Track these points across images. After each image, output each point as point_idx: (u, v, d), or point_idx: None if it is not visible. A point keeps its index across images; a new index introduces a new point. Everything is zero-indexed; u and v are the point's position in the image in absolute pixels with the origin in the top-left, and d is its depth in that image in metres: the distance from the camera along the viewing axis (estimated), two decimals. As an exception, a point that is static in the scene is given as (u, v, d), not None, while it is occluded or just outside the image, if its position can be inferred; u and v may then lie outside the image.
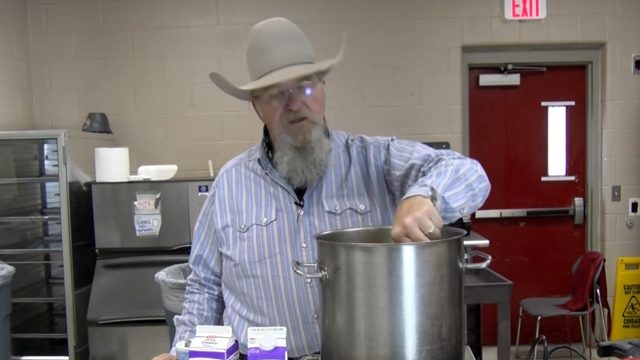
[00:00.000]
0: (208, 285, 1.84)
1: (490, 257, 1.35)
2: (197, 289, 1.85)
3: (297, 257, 1.63)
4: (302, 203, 1.67)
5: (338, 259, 1.28)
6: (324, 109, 1.69)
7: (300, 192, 1.69)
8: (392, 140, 1.73)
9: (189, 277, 1.88)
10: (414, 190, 1.35)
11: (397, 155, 1.66)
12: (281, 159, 1.64)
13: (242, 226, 1.69)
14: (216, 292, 1.84)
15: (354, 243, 1.35)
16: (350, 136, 1.80)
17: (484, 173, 1.53)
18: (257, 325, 1.65)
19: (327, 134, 1.73)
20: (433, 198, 1.31)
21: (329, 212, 1.66)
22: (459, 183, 1.42)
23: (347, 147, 1.77)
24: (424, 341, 1.24)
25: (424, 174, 1.52)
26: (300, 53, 1.60)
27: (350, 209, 1.67)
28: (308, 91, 1.60)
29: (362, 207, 1.68)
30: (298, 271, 1.36)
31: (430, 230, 1.24)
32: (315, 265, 1.35)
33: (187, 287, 1.88)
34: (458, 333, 1.29)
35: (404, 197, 1.35)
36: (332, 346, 1.31)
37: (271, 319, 1.64)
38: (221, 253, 1.77)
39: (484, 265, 1.33)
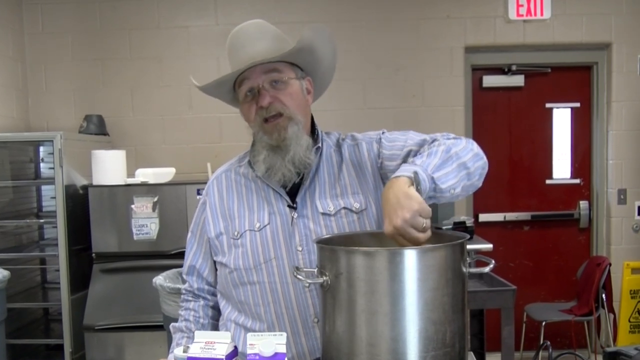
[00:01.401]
0: (202, 295, 1.82)
1: (493, 261, 1.35)
2: (191, 297, 1.83)
3: (293, 261, 1.61)
4: (295, 205, 1.65)
5: (340, 264, 1.28)
6: (304, 106, 1.67)
7: (293, 195, 1.67)
8: (383, 133, 1.73)
9: (183, 287, 1.86)
10: (401, 169, 1.38)
11: (390, 146, 1.66)
12: (257, 158, 1.64)
13: (236, 233, 1.68)
14: (211, 302, 1.82)
15: (356, 247, 1.35)
16: (341, 135, 1.79)
17: (480, 151, 1.53)
18: (255, 332, 1.59)
19: (315, 133, 1.72)
20: (417, 180, 1.33)
21: (323, 213, 1.64)
22: (451, 162, 1.43)
23: (339, 146, 1.75)
24: (428, 347, 1.24)
25: None
26: (272, 49, 1.59)
27: (344, 208, 1.65)
28: (279, 86, 1.60)
29: (357, 205, 1.66)
30: (298, 276, 1.35)
31: (424, 225, 1.27)
32: (315, 270, 1.34)
33: (182, 296, 1.86)
34: (462, 339, 1.30)
35: (391, 177, 1.38)
36: (333, 352, 1.31)
37: (270, 325, 1.62)
38: (215, 262, 1.75)
39: (487, 269, 1.34)
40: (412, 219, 1.27)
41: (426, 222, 1.27)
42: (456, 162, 1.44)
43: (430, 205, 1.34)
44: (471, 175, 1.47)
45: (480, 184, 1.53)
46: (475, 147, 1.52)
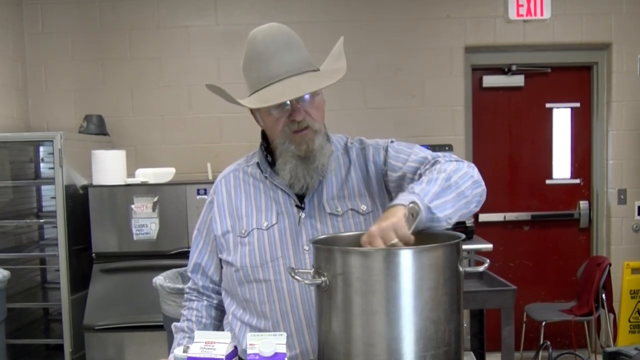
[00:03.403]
0: (207, 294, 1.82)
1: (488, 261, 1.37)
2: (195, 296, 1.83)
3: (299, 261, 1.63)
4: (302, 206, 1.67)
5: (337, 265, 1.28)
6: (324, 115, 1.68)
7: (300, 195, 1.68)
8: (391, 142, 1.74)
9: (187, 285, 1.86)
10: (399, 197, 1.41)
11: (395, 157, 1.68)
12: (284, 167, 1.64)
13: (243, 231, 1.69)
14: (215, 301, 1.82)
15: (353, 248, 1.35)
16: (349, 139, 1.80)
17: (479, 178, 1.54)
18: (260, 330, 1.64)
19: (327, 139, 1.73)
20: (414, 209, 1.35)
21: (330, 214, 1.66)
22: (450, 191, 1.44)
23: (347, 149, 1.77)
24: (428, 346, 1.24)
25: (420, 177, 1.54)
26: (299, 61, 1.58)
27: (351, 209, 1.67)
28: (310, 100, 1.60)
29: (363, 207, 1.68)
30: (297, 277, 1.36)
31: (393, 242, 1.30)
32: (312, 270, 1.35)
33: (185, 295, 1.86)
34: (458, 338, 1.32)
35: (389, 205, 1.41)
36: (331, 353, 1.31)
37: (275, 323, 1.63)
38: (221, 260, 1.75)
39: (481, 268, 1.36)
40: (385, 229, 1.31)
41: (396, 242, 1.30)
42: (455, 191, 1.45)
43: None
44: (469, 204, 1.49)
45: (476, 210, 1.54)
46: (475, 174, 1.53)
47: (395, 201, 1.40)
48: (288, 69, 1.55)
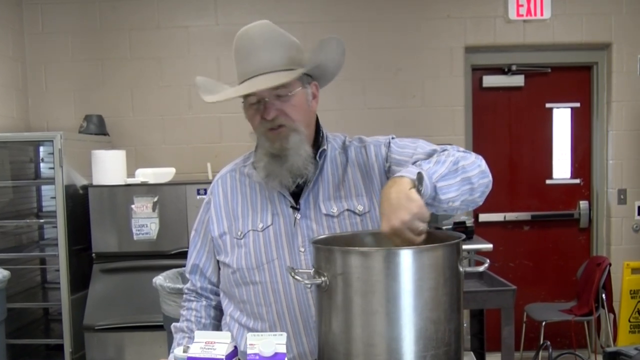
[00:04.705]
0: (205, 295, 1.82)
1: (488, 261, 1.37)
2: (194, 297, 1.83)
3: (295, 262, 1.62)
4: (298, 206, 1.65)
5: (337, 264, 1.28)
6: (308, 114, 1.66)
7: (296, 196, 1.67)
8: (392, 138, 1.73)
9: (185, 286, 1.86)
10: (404, 170, 1.39)
11: (399, 152, 1.66)
12: (258, 164, 1.66)
13: (239, 233, 1.68)
14: (214, 302, 1.82)
15: (353, 248, 1.35)
16: (347, 137, 1.79)
17: (487, 169, 1.53)
18: (257, 332, 1.60)
19: (320, 135, 1.71)
20: (420, 181, 1.33)
21: (326, 214, 1.65)
22: (456, 175, 1.43)
23: (344, 148, 1.75)
24: (428, 346, 1.24)
25: None
26: (276, 60, 1.57)
27: (348, 210, 1.65)
28: (284, 99, 1.58)
29: (360, 207, 1.66)
30: (296, 277, 1.35)
31: (420, 229, 1.30)
32: (312, 271, 1.34)
33: (184, 295, 1.86)
34: (458, 337, 1.32)
35: (393, 176, 1.39)
36: (331, 353, 1.31)
37: (271, 325, 1.62)
38: (218, 261, 1.75)
39: (481, 268, 1.36)
40: (410, 221, 1.28)
41: (423, 226, 1.29)
42: (461, 175, 1.44)
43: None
44: (474, 192, 1.47)
45: (481, 201, 1.53)
46: (483, 164, 1.52)
47: (401, 172, 1.38)
48: (259, 66, 1.56)
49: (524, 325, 4.42)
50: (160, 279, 3.09)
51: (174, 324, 1.82)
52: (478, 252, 3.82)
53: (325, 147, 1.70)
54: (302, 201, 1.66)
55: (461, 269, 1.31)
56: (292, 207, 1.66)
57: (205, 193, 3.81)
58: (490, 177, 1.52)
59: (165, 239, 3.89)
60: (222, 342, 1.34)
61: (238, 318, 1.69)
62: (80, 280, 3.95)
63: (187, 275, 1.82)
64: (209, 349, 1.33)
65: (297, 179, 1.63)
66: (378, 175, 1.69)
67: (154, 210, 3.88)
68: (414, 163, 1.57)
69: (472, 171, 1.46)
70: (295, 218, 1.65)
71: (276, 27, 1.61)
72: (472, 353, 3.41)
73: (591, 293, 4.13)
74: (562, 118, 4.81)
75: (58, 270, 3.88)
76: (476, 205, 1.53)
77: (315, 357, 1.57)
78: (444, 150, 1.55)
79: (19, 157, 4.33)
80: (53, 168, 3.86)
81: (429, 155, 1.57)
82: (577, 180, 4.85)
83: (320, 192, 1.67)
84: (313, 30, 4.22)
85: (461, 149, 1.58)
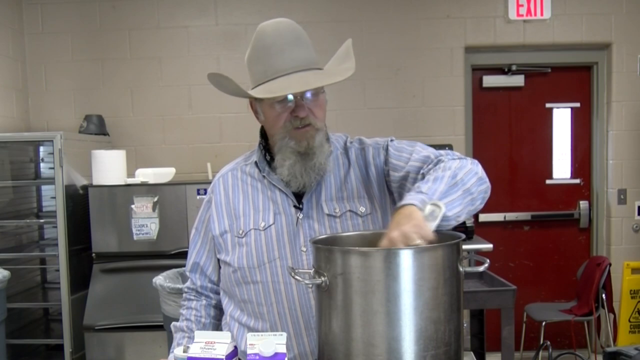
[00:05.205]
0: (205, 294, 1.81)
1: (488, 261, 1.36)
2: (194, 296, 1.82)
3: (297, 262, 1.61)
4: (301, 206, 1.65)
5: (338, 264, 1.28)
6: (325, 114, 1.67)
7: (298, 196, 1.67)
8: (391, 141, 1.72)
9: (185, 285, 1.85)
10: (408, 197, 1.37)
11: (396, 156, 1.66)
12: (282, 163, 1.63)
13: (240, 231, 1.67)
14: (214, 300, 1.81)
15: (354, 247, 1.35)
16: (348, 138, 1.79)
17: (484, 174, 1.53)
18: (257, 332, 1.61)
19: (327, 139, 1.71)
20: (435, 208, 1.34)
21: (328, 215, 1.64)
22: (456, 189, 1.42)
23: (346, 149, 1.75)
24: (428, 346, 1.25)
25: (423, 176, 1.52)
26: (307, 58, 1.58)
27: (350, 211, 1.65)
28: (314, 98, 1.59)
29: (362, 209, 1.66)
30: (297, 277, 1.35)
31: (416, 242, 1.27)
32: (312, 270, 1.34)
33: (184, 295, 1.85)
34: (458, 337, 1.32)
35: (398, 205, 1.38)
36: (331, 353, 1.31)
37: (272, 324, 1.62)
38: (219, 260, 1.74)
39: (481, 268, 1.35)
40: (408, 232, 1.28)
41: (420, 242, 1.27)
42: (461, 188, 1.43)
43: None
44: (474, 201, 1.47)
45: (481, 207, 1.52)
46: (479, 170, 1.51)
47: (405, 201, 1.37)
48: (296, 64, 1.55)
49: (524, 325, 4.42)
50: (160, 279, 3.09)
51: (173, 323, 1.82)
52: (478, 252, 3.82)
53: (330, 149, 1.70)
54: (304, 201, 1.65)
55: (461, 269, 1.31)
56: (294, 206, 1.65)
57: (205, 193, 3.81)
58: (488, 183, 1.52)
59: (165, 239, 3.89)
60: (222, 342, 1.34)
61: (238, 317, 1.68)
62: (80, 280, 3.95)
63: (187, 274, 1.82)
64: (209, 349, 1.33)
65: (319, 178, 1.64)
66: (376, 179, 1.69)
67: (154, 210, 3.88)
68: (406, 177, 1.59)
69: (470, 181, 1.46)
70: (298, 218, 1.64)
71: (298, 25, 1.62)
72: (472, 353, 3.40)
73: (591, 293, 4.13)
74: (562, 118, 4.81)
75: (58, 270, 3.88)
76: (477, 211, 1.53)
77: (316, 357, 1.58)
78: (439, 160, 1.54)
79: (19, 157, 4.33)
80: (53, 168, 3.86)
81: (424, 162, 1.57)
82: (577, 180, 4.84)
83: (323, 192, 1.67)
84: (313, 30, 4.19)
85: (456, 154, 1.59)
